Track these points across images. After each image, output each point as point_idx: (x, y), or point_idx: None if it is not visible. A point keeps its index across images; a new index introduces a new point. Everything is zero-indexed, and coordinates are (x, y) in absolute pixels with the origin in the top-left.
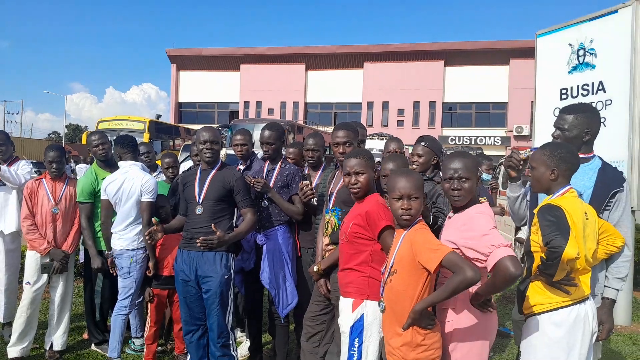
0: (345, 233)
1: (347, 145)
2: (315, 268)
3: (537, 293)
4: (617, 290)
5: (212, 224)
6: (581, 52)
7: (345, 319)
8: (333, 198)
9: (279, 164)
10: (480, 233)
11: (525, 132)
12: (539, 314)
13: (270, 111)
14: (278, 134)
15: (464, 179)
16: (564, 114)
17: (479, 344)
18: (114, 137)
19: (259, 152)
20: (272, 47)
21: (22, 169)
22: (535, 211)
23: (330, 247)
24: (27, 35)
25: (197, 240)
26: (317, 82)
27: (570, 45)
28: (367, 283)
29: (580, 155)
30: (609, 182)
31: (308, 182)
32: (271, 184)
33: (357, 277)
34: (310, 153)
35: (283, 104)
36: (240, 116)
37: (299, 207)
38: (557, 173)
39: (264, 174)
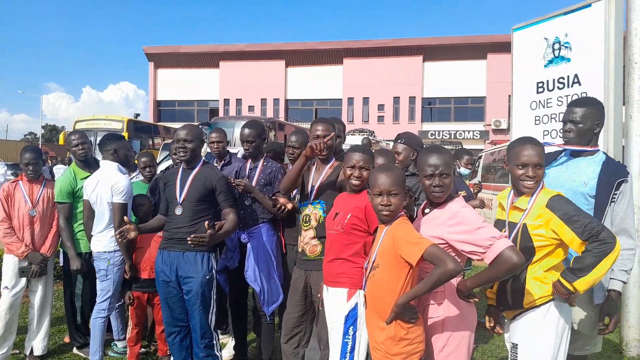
0: (342, 224)
1: (325, 138)
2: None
3: (537, 286)
4: (623, 282)
5: (206, 222)
6: (556, 46)
7: (339, 308)
8: (315, 191)
9: (261, 162)
10: (474, 226)
11: (504, 126)
12: (539, 305)
13: (251, 108)
14: (258, 131)
15: (444, 175)
16: (574, 107)
17: (467, 335)
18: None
19: (239, 150)
20: (251, 43)
21: None
22: (543, 204)
23: (314, 241)
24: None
25: (188, 239)
26: (297, 79)
27: (545, 39)
28: (360, 273)
29: (587, 149)
30: (613, 173)
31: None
32: (254, 182)
33: (350, 267)
34: (291, 150)
35: (263, 101)
36: (221, 114)
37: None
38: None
39: (246, 173)
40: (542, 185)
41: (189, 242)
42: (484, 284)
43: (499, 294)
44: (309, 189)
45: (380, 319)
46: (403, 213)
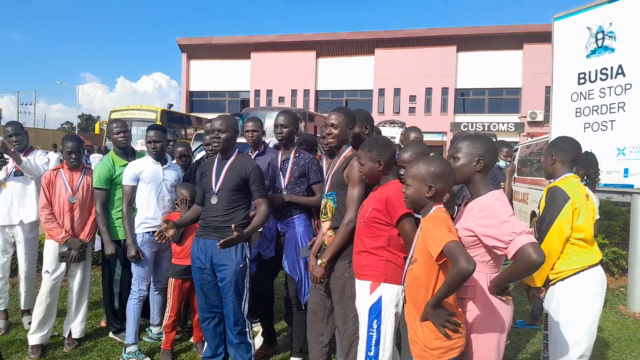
0: (364, 217)
1: (333, 127)
2: (319, 262)
3: (560, 262)
4: None
5: (233, 225)
6: (600, 36)
7: (363, 300)
8: (329, 183)
9: (292, 153)
10: (500, 220)
11: (540, 118)
12: (564, 278)
13: (281, 99)
14: (292, 118)
15: (455, 159)
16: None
17: (495, 337)
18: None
19: (270, 140)
20: (282, 34)
21: (39, 160)
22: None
23: (329, 232)
24: (38, 27)
25: (218, 245)
26: (327, 70)
27: (588, 28)
28: (384, 266)
29: None
30: None
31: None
32: (287, 174)
33: (374, 260)
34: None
35: (294, 92)
36: (251, 104)
37: (319, 196)
38: (554, 159)
39: (279, 164)
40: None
41: (218, 247)
42: (508, 282)
43: None
44: (326, 180)
45: (417, 313)
46: (440, 206)
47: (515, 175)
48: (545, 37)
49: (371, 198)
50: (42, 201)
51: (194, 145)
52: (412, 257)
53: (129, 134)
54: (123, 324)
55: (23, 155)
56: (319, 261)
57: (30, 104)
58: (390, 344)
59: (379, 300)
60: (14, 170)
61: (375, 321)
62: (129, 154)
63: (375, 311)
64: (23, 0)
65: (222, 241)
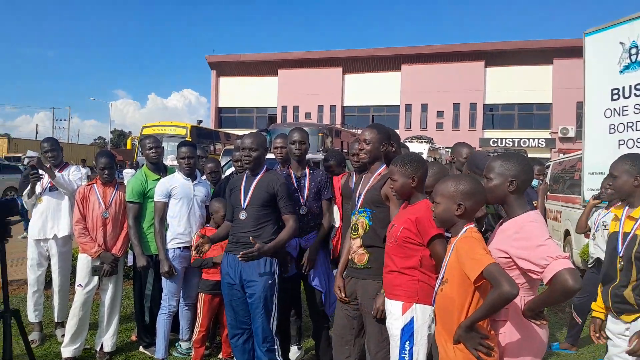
0: (395, 237)
1: (365, 143)
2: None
3: None
4: None
5: (250, 237)
6: (633, 51)
7: (395, 322)
8: (361, 199)
9: (307, 170)
10: (536, 243)
11: (571, 134)
12: None
13: (308, 115)
14: (306, 135)
15: (488, 179)
16: None
17: None
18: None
19: None
20: (309, 51)
21: (73, 175)
22: None
23: (361, 250)
24: (72, 45)
25: (239, 256)
26: (354, 85)
27: (621, 43)
28: (416, 287)
29: None
30: None
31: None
32: (306, 191)
33: (406, 280)
34: (356, 157)
35: (320, 108)
36: (278, 120)
37: (327, 217)
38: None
39: (295, 181)
40: None
41: (239, 258)
42: (543, 306)
43: (613, 300)
44: (356, 197)
45: (448, 335)
46: (472, 225)
47: (548, 192)
48: (575, 51)
49: (401, 217)
50: (76, 215)
51: (222, 161)
52: (442, 277)
53: (161, 149)
54: (153, 339)
55: (58, 171)
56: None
57: (65, 120)
58: None
59: (412, 321)
60: (49, 185)
61: (407, 342)
62: (161, 169)
63: (408, 332)
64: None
65: (242, 253)
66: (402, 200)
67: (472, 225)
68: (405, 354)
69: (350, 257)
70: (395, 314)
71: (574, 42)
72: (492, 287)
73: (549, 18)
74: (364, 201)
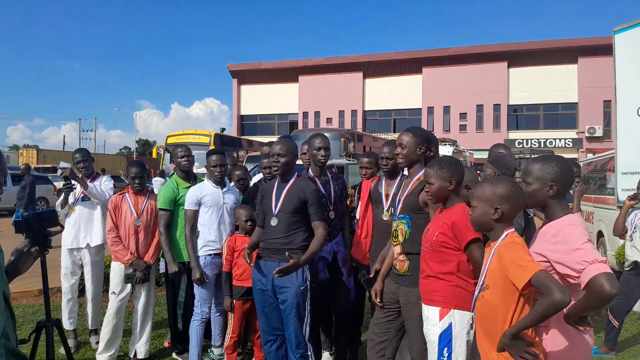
0: (430, 241)
1: (401, 147)
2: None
3: None
4: None
5: (287, 252)
6: None
7: (433, 328)
8: (400, 205)
9: (329, 174)
10: (573, 247)
11: (599, 133)
12: None
13: (329, 120)
14: (328, 140)
15: (527, 183)
16: None
17: None
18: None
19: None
20: (329, 57)
21: (105, 185)
22: None
23: (401, 257)
24: (96, 56)
25: (274, 272)
26: (375, 90)
27: None
28: (454, 292)
29: None
30: None
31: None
32: (332, 195)
33: (443, 285)
34: (385, 161)
35: (341, 113)
36: (300, 126)
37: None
38: None
39: (320, 186)
40: None
41: (275, 275)
42: (581, 312)
43: None
44: (396, 202)
45: (490, 343)
46: (513, 230)
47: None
48: (600, 50)
49: (436, 221)
50: (109, 224)
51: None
52: (483, 283)
53: (192, 158)
54: (186, 345)
55: (90, 181)
56: None
57: (91, 131)
58: None
59: (450, 327)
60: (82, 195)
61: (446, 349)
62: (191, 177)
63: (446, 339)
64: (83, 32)
65: (278, 269)
66: (439, 205)
67: (513, 230)
68: None
69: (393, 263)
70: (433, 320)
71: (599, 40)
72: (540, 294)
73: (573, 17)
74: (403, 207)
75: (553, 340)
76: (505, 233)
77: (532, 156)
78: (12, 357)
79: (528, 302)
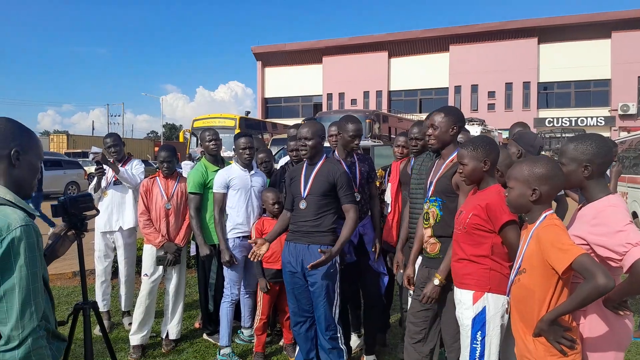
0: (463, 224)
1: (432, 128)
2: (436, 281)
3: None
4: None
5: (319, 249)
6: None
7: (466, 311)
8: (432, 187)
9: (355, 157)
10: (614, 229)
11: (633, 111)
12: None
13: (354, 102)
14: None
15: (561, 164)
16: None
17: (613, 354)
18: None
19: None
20: (353, 37)
21: (136, 169)
22: None
23: (432, 239)
24: (121, 41)
25: (308, 267)
26: (400, 69)
27: None
28: (488, 276)
29: None
30: None
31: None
32: (358, 178)
33: (477, 269)
34: (414, 142)
35: (366, 94)
36: (324, 108)
37: (377, 201)
38: None
39: (345, 168)
40: None
41: (308, 268)
42: (623, 296)
43: None
44: (427, 185)
45: (526, 327)
46: (552, 211)
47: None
48: (635, 23)
49: (470, 203)
50: (141, 207)
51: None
52: (519, 267)
53: (220, 142)
54: (217, 326)
55: (121, 165)
56: (436, 280)
57: (119, 116)
58: (495, 357)
59: (483, 311)
60: (113, 179)
61: (479, 333)
62: (219, 160)
63: (480, 322)
64: (108, 16)
65: (312, 264)
66: (472, 187)
67: (552, 211)
68: (477, 345)
69: (423, 246)
70: (466, 304)
71: (633, 13)
72: (580, 280)
73: None
74: (435, 190)
75: (590, 325)
76: (544, 215)
77: (563, 135)
78: (52, 339)
79: (566, 286)
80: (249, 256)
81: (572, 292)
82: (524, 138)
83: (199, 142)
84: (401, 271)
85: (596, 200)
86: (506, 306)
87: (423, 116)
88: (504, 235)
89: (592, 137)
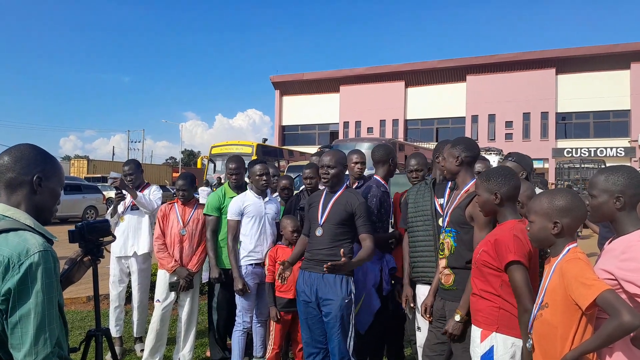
0: (475, 258)
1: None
2: (457, 317)
3: None
4: None
5: (342, 250)
6: None
7: (476, 349)
8: (447, 218)
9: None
10: None
11: None
12: None
13: (370, 130)
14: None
15: (592, 196)
16: None
17: None
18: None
19: (369, 173)
20: (370, 67)
21: (154, 195)
22: None
23: (446, 271)
24: (144, 70)
25: (325, 266)
26: (417, 99)
27: None
28: (497, 314)
29: None
30: None
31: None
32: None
33: (486, 306)
34: (414, 174)
35: (382, 122)
36: (340, 136)
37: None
38: None
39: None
40: None
41: (325, 270)
42: None
43: None
44: (444, 215)
45: None
46: (575, 245)
47: None
48: None
49: (485, 238)
50: (157, 232)
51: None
52: (542, 301)
53: (241, 175)
54: (225, 353)
55: (139, 191)
56: (457, 317)
57: (139, 142)
58: None
59: (491, 351)
60: (131, 204)
61: None
62: (240, 187)
63: None
64: (133, 45)
65: (329, 264)
66: (489, 220)
67: (576, 245)
68: None
69: (439, 278)
70: (475, 341)
71: None
72: (605, 316)
73: (624, 20)
74: (450, 221)
75: None
76: (567, 248)
77: (582, 166)
78: None
79: (591, 322)
80: (276, 277)
81: (597, 329)
82: (524, 160)
83: (224, 170)
84: (411, 305)
85: (627, 235)
86: (517, 346)
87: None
88: (509, 274)
89: (623, 169)
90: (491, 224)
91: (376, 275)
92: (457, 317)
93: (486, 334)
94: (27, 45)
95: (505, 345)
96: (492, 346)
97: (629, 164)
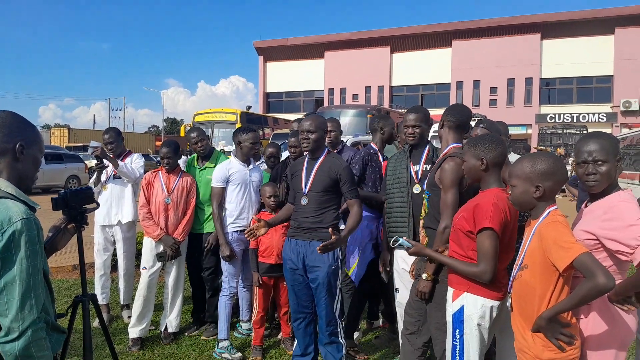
0: (454, 222)
1: (416, 127)
2: (424, 276)
3: None
4: None
5: (330, 228)
6: None
7: (449, 307)
8: (426, 181)
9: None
10: (627, 223)
11: (635, 107)
12: None
13: (355, 97)
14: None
15: (599, 162)
16: None
17: (614, 352)
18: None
19: (347, 138)
20: (356, 32)
21: (136, 163)
22: None
23: (422, 232)
24: (125, 37)
25: (317, 249)
26: (402, 65)
27: None
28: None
29: None
30: None
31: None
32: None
33: None
34: (410, 129)
35: (367, 89)
36: (325, 103)
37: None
38: None
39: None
40: None
41: (319, 252)
42: (631, 291)
43: None
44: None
45: (526, 323)
46: (555, 207)
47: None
48: (639, 20)
49: (467, 203)
50: (141, 200)
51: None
52: (521, 262)
53: (205, 141)
54: (204, 317)
55: (121, 159)
56: (424, 275)
57: (120, 110)
58: (476, 355)
59: (461, 310)
60: (113, 173)
61: (457, 330)
62: (209, 157)
63: (457, 320)
64: (112, 13)
65: (321, 245)
66: (454, 182)
67: (555, 207)
68: (457, 342)
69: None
70: (449, 301)
71: (637, 9)
72: (582, 277)
73: None
74: (427, 183)
75: (594, 321)
76: (548, 211)
77: (565, 131)
78: (52, 331)
79: (567, 283)
80: (245, 233)
81: (573, 290)
82: (494, 126)
83: (188, 142)
84: (387, 268)
85: (607, 196)
86: (488, 307)
87: None
88: (478, 237)
89: (603, 135)
90: (456, 186)
91: (372, 231)
92: (424, 276)
93: (457, 293)
94: (1, 11)
95: (475, 305)
96: (463, 305)
97: (610, 130)
